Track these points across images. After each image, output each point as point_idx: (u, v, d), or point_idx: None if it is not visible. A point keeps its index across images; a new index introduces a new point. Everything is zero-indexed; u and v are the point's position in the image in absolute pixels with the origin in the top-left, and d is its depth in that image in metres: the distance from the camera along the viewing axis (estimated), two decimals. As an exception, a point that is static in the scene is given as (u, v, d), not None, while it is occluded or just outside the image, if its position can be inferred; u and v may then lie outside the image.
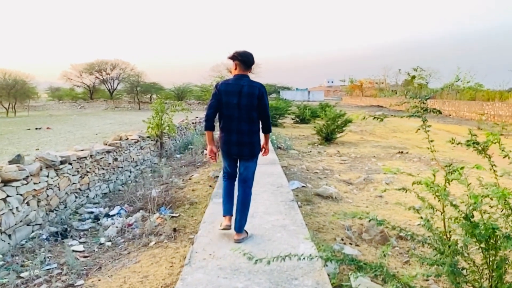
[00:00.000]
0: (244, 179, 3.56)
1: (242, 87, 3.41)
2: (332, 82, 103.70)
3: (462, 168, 2.48)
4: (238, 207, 3.48)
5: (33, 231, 4.60)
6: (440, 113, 2.94)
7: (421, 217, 2.94)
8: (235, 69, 3.52)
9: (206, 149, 3.69)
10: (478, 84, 32.71)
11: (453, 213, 2.60)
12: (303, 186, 6.31)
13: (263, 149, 3.78)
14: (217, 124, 3.63)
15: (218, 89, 3.48)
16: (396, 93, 32.70)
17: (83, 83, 51.76)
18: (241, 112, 3.42)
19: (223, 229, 3.49)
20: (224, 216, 3.55)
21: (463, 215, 2.38)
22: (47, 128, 20.97)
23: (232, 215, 3.52)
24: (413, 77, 48.96)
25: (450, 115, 28.72)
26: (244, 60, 3.48)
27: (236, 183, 3.71)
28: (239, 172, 3.61)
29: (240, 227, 3.43)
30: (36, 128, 20.62)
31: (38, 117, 32.40)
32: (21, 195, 4.40)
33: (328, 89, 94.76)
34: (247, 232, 3.52)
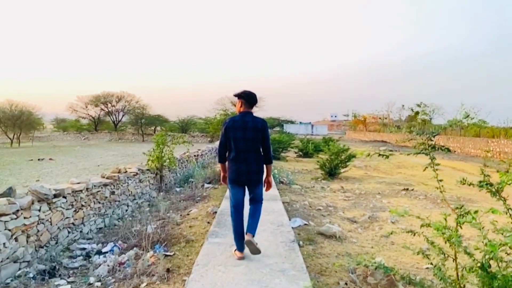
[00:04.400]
0: (254, 201, 4.03)
1: (247, 123, 3.88)
2: (335, 116, 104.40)
3: (476, 212, 2.28)
4: (250, 212, 3.98)
5: (20, 269, 4.35)
6: (449, 151, 2.77)
7: (431, 263, 2.72)
8: (240, 106, 4.01)
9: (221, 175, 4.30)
10: (482, 121, 32.72)
11: (466, 259, 2.39)
12: (305, 224, 6.07)
13: (266, 184, 4.13)
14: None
15: (226, 126, 3.92)
16: (399, 128, 32.66)
17: (88, 114, 52.22)
18: (248, 144, 3.87)
19: (238, 259, 3.84)
20: (238, 251, 3.92)
21: (478, 264, 2.17)
22: (50, 159, 20.92)
23: (244, 249, 3.89)
24: (417, 112, 49.10)
25: (455, 151, 28.50)
26: (249, 100, 4.00)
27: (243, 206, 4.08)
28: (249, 198, 4.05)
29: (252, 228, 3.89)
30: (38, 159, 20.58)
31: (41, 148, 32.51)
32: (9, 230, 4.20)
33: (332, 123, 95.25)
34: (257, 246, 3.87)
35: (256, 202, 4.04)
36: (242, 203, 4.02)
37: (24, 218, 4.47)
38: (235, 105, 4.19)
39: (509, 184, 2.36)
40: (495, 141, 25.39)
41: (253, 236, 3.86)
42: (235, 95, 4.06)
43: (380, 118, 66.38)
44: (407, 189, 10.51)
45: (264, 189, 4.14)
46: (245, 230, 3.97)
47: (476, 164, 19.24)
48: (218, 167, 12.07)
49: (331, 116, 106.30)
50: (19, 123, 38.35)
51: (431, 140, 2.76)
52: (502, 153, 23.71)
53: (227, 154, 4.03)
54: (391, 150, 3.53)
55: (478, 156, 25.14)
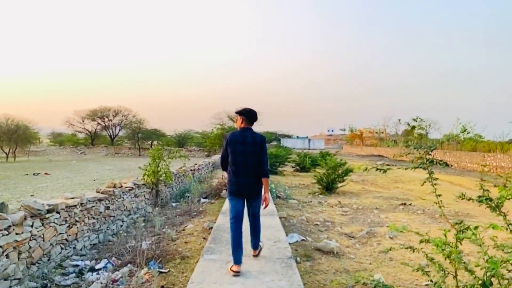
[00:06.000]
0: (253, 215, 4.17)
1: (246, 137, 4.05)
2: (332, 131, 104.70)
3: (476, 228, 2.24)
4: (251, 232, 4.22)
5: (10, 287, 4.24)
6: (447, 165, 2.74)
7: (431, 280, 2.66)
8: (241, 122, 4.18)
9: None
10: (478, 135, 32.83)
11: (467, 276, 2.34)
12: (302, 240, 5.99)
13: (263, 202, 4.15)
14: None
15: (227, 140, 4.11)
16: (396, 142, 32.69)
17: (85, 129, 52.05)
18: (247, 158, 4.00)
19: (234, 275, 3.74)
20: (234, 264, 3.84)
21: (480, 281, 2.12)
22: (45, 173, 20.75)
23: (241, 263, 3.87)
24: (413, 127, 49.39)
25: (451, 165, 28.52)
26: (249, 116, 4.17)
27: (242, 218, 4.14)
28: (248, 211, 4.17)
29: (255, 245, 4.29)
30: (34, 174, 20.41)
31: (37, 162, 32.30)
32: (0, 246, 4.11)
33: (329, 138, 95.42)
34: (261, 247, 4.39)
35: (255, 215, 4.16)
36: (242, 214, 4.07)
37: (16, 234, 4.38)
38: (233, 121, 4.40)
39: (509, 199, 2.33)
40: (492, 155, 25.47)
41: (257, 251, 4.34)
42: (237, 112, 4.24)
43: (376, 132, 66.62)
44: (405, 203, 10.45)
45: (262, 207, 4.16)
46: (243, 245, 3.97)
47: (473, 179, 19.23)
48: (215, 181, 12.07)
49: (328, 131, 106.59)
50: (15, 138, 38.07)
51: (429, 154, 2.74)
52: (499, 168, 23.75)
53: (228, 167, 4.18)
54: (388, 165, 3.51)
55: (474, 171, 25.19)
